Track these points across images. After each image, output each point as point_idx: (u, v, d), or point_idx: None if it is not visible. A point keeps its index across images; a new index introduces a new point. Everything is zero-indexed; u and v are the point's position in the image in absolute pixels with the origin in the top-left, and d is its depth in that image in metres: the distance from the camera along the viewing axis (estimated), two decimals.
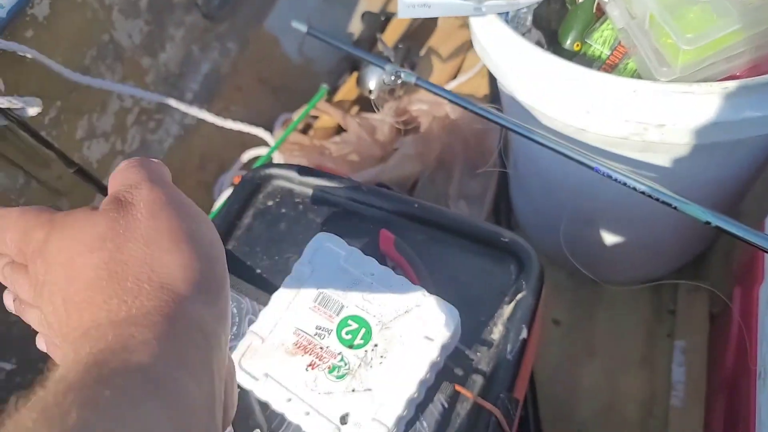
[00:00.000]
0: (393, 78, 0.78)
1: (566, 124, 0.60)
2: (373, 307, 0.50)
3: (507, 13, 0.65)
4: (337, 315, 0.50)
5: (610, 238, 0.85)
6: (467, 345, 0.58)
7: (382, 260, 0.64)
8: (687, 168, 0.63)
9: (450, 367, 0.56)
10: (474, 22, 0.68)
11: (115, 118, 0.92)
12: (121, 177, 0.27)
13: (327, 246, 0.53)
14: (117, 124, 0.93)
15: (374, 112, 1.13)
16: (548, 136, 0.63)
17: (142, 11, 0.95)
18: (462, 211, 1.00)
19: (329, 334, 0.50)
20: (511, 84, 0.64)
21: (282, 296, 0.51)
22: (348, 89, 1.21)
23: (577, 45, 0.64)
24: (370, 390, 0.48)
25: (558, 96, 0.58)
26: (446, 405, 0.53)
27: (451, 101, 0.72)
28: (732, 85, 0.51)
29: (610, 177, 0.60)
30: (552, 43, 0.68)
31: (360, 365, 0.48)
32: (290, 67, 1.29)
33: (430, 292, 0.61)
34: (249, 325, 0.54)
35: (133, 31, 0.94)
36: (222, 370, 0.24)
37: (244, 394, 0.51)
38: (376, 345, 0.49)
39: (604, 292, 0.97)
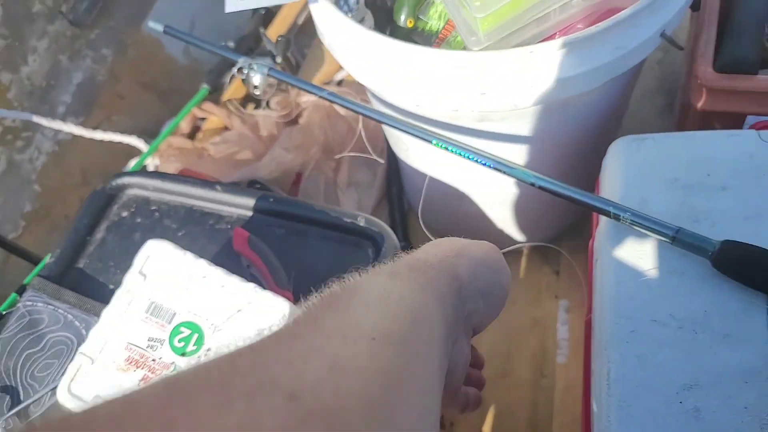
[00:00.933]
0: (246, 71, 0.78)
1: (396, 100, 0.61)
2: (205, 311, 0.50)
3: None
4: (169, 323, 0.50)
5: (491, 208, 0.87)
6: None
7: (238, 259, 0.65)
8: (527, 134, 0.65)
9: None
10: (311, 7, 0.68)
11: None
12: None
13: (158, 253, 0.53)
14: None
15: (265, 108, 1.12)
16: (386, 113, 0.64)
17: None
18: (351, 199, 1.01)
19: (162, 344, 0.49)
20: (348, 66, 0.65)
21: (112, 311, 0.51)
22: (236, 87, 1.19)
23: (410, 21, 0.65)
24: None
25: (385, 74, 0.59)
26: None
27: (301, 89, 0.72)
28: (538, 48, 0.52)
29: (446, 149, 0.61)
30: (390, 21, 0.69)
31: None
32: (176, 69, 1.26)
33: (282, 286, 0.62)
34: None
35: None
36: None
37: None
38: (209, 349, 0.49)
39: None
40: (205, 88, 1.11)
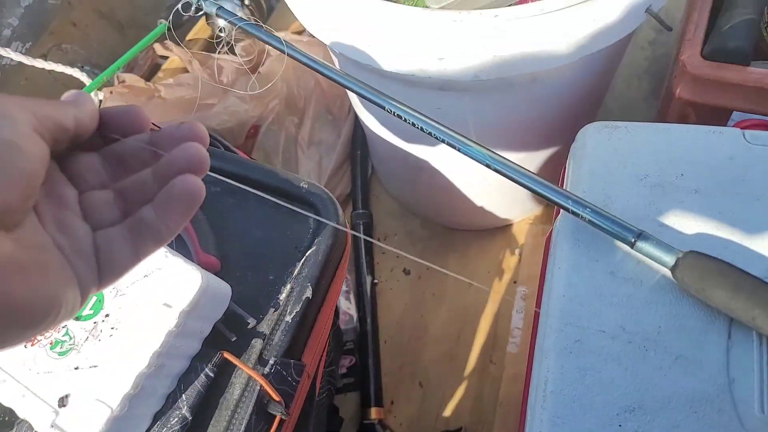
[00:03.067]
0: (193, 8, 0.70)
1: (355, 60, 0.54)
2: None
3: None
4: None
5: (454, 183, 0.82)
6: (253, 307, 0.54)
7: None
8: (491, 109, 0.59)
9: (222, 333, 0.51)
10: None
11: None
12: None
13: None
14: None
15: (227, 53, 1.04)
16: (346, 74, 0.57)
17: None
18: (312, 159, 0.95)
19: None
20: (304, 20, 0.57)
21: None
22: (200, 27, 1.10)
23: None
24: (96, 366, 0.42)
25: (340, 30, 0.52)
26: (212, 374, 0.48)
27: (256, 38, 0.65)
28: (505, 12, 0.46)
29: (400, 117, 0.55)
30: None
31: (87, 339, 0.43)
32: (140, 1, 1.16)
33: (208, 251, 0.56)
34: None
35: None
36: None
37: None
38: (107, 315, 0.44)
39: (457, 239, 0.95)
40: (163, 23, 1.01)
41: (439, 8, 0.47)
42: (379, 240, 0.97)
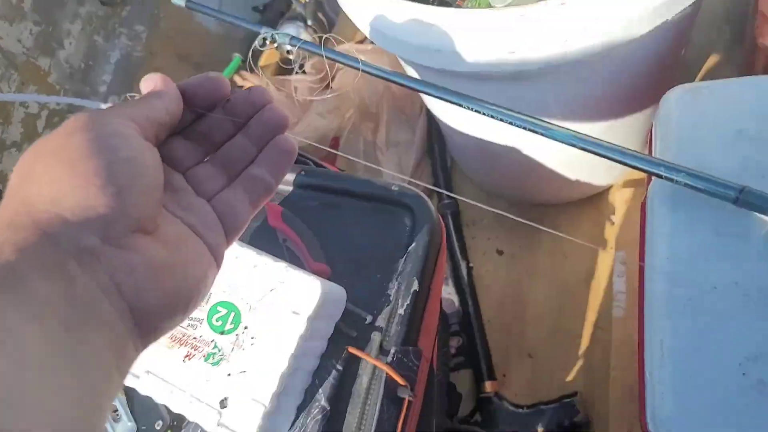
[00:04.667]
0: (268, 42, 0.76)
1: (427, 66, 0.57)
2: (239, 290, 0.50)
3: None
4: (206, 303, 0.51)
5: (536, 162, 0.83)
6: (367, 305, 0.58)
7: (274, 234, 0.64)
8: (567, 90, 0.60)
9: (343, 331, 0.56)
10: None
11: (23, 126, 0.91)
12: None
13: None
14: (27, 132, 0.92)
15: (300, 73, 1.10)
16: (417, 79, 0.60)
17: (28, 13, 0.92)
18: (391, 160, 0.98)
19: (201, 323, 0.50)
20: (372, 35, 0.61)
21: None
22: (270, 52, 1.17)
23: None
24: (244, 372, 0.48)
25: (407, 40, 0.55)
26: (341, 368, 0.53)
27: (327, 58, 0.69)
28: (560, 1, 0.47)
29: (478, 112, 0.58)
30: None
31: (233, 349, 0.49)
32: (209, 38, 1.25)
33: (318, 259, 0.61)
34: None
35: (22, 35, 0.91)
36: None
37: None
38: (246, 327, 0.50)
39: (546, 214, 0.96)
40: (237, 57, 1.09)
41: (504, 6, 0.49)
42: (467, 226, 0.99)
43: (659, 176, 0.44)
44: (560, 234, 0.50)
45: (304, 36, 1.12)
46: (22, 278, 0.20)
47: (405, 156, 1.00)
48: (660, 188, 0.46)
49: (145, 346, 0.25)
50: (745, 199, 0.41)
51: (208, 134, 0.30)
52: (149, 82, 0.28)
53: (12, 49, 0.90)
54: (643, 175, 0.48)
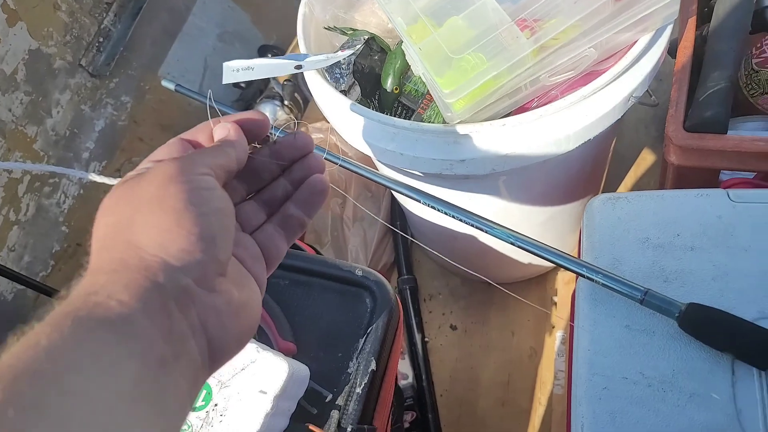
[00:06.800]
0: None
1: (396, 167, 0.65)
2: None
3: (331, 67, 0.70)
4: None
5: (486, 246, 0.91)
6: (328, 382, 0.63)
7: None
8: (511, 189, 0.68)
9: (305, 408, 0.61)
10: (307, 77, 0.73)
11: (5, 191, 0.95)
12: (159, 150, 0.30)
13: None
14: (8, 196, 0.95)
15: None
16: (387, 177, 0.68)
17: (20, 83, 0.98)
18: (357, 234, 1.05)
19: None
20: (341, 132, 0.69)
21: None
22: None
23: (396, 88, 0.69)
24: None
25: (371, 142, 0.63)
26: None
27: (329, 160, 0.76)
28: (510, 121, 0.56)
29: (434, 208, 0.66)
30: (379, 85, 0.73)
31: (202, 426, 0.53)
32: (192, 109, 1.32)
33: (286, 338, 0.66)
34: None
35: (12, 104, 0.96)
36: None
37: None
38: (216, 404, 0.54)
39: (496, 293, 1.03)
40: None
41: (454, 124, 0.58)
42: (425, 300, 1.06)
43: (582, 275, 0.51)
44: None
45: (280, 114, 1.21)
46: (129, 316, 0.22)
47: (369, 230, 1.07)
48: (584, 284, 0.54)
49: (211, 375, 0.26)
50: (649, 301, 0.49)
51: (253, 172, 0.33)
52: (223, 131, 0.31)
53: (2, 117, 0.95)
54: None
